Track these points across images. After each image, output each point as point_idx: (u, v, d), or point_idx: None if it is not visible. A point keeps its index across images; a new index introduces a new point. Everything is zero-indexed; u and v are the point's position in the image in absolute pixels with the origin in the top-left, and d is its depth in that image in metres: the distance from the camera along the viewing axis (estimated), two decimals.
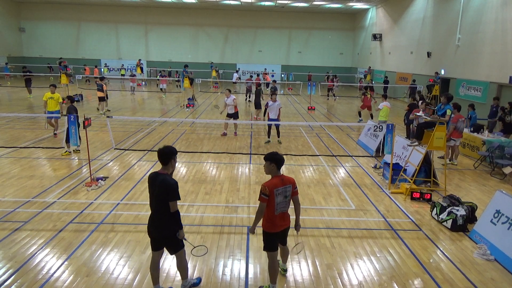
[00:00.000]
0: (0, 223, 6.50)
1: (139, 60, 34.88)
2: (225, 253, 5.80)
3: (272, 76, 35.42)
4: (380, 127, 10.98)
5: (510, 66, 14.92)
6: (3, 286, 4.82)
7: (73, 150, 10.94)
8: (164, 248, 4.64)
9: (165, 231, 4.42)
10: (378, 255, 5.86)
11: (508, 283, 5.27)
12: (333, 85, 27.49)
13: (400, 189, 8.66)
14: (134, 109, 19.66)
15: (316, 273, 5.35)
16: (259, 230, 4.87)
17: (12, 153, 10.74)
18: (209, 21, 38.25)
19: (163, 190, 4.29)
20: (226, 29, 38.79)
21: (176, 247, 4.56)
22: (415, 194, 8.13)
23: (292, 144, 12.94)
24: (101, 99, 17.59)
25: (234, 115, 13.47)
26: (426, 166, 8.79)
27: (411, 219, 7.22)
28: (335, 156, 11.58)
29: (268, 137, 13.04)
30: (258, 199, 4.52)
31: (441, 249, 6.13)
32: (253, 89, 22.08)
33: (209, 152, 11.44)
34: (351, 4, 32.06)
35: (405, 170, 8.91)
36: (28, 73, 23.85)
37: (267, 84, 26.78)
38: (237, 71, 34.16)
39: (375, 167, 10.43)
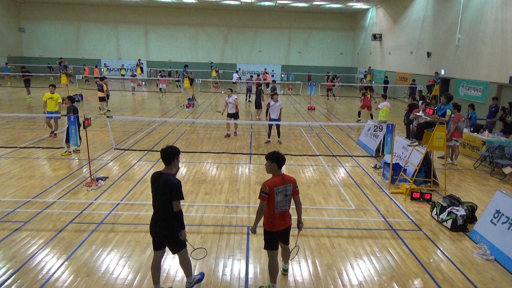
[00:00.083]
0: (0, 223, 6.50)
1: (139, 60, 34.87)
2: (225, 253, 5.80)
3: (272, 76, 35.43)
4: (380, 127, 10.98)
5: (510, 66, 14.92)
6: (3, 286, 4.82)
7: (73, 150, 10.94)
8: (166, 248, 4.65)
9: (168, 230, 4.44)
10: (378, 255, 5.86)
11: (508, 283, 5.27)
12: (333, 85, 27.50)
13: (400, 189, 8.66)
14: (134, 109, 19.66)
15: (316, 273, 5.35)
16: (259, 230, 4.87)
17: (12, 153, 10.74)
18: (209, 21, 38.25)
19: (166, 189, 4.30)
20: (226, 29, 38.79)
21: (179, 246, 4.58)
22: (415, 194, 8.13)
23: (292, 144, 12.94)
24: (101, 99, 17.61)
25: (235, 115, 13.47)
26: (426, 166, 8.79)
27: (411, 219, 7.22)
28: (335, 156, 11.58)
29: (269, 137, 13.04)
30: (258, 198, 4.56)
31: (441, 249, 6.13)
32: (253, 89, 22.09)
33: (209, 152, 11.44)
34: (351, 4, 32.06)
35: (405, 170, 8.91)
36: (27, 73, 23.83)
37: (267, 84, 26.78)
38: (237, 71, 34.16)
39: (375, 167, 10.43)
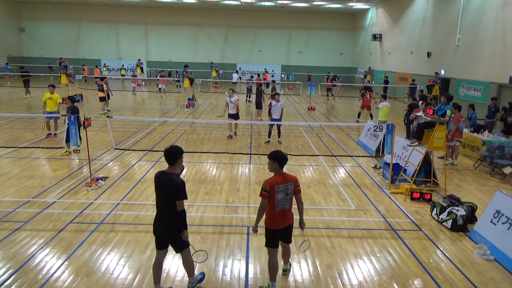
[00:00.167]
0: (0, 223, 6.50)
1: (139, 60, 34.88)
2: (225, 253, 5.80)
3: (272, 76, 35.43)
4: (380, 127, 10.99)
5: (510, 66, 14.92)
6: (3, 286, 4.82)
7: (73, 150, 10.94)
8: (168, 248, 4.66)
9: (171, 229, 4.46)
10: (378, 255, 5.86)
11: (508, 283, 5.27)
12: (333, 85, 27.50)
13: (400, 189, 8.66)
14: (134, 109, 19.66)
15: (316, 273, 5.35)
16: (261, 230, 4.87)
17: (12, 153, 10.74)
18: (209, 21, 38.26)
19: (170, 189, 4.32)
20: (226, 29, 38.80)
21: (182, 246, 4.60)
22: (415, 194, 8.13)
23: (292, 144, 12.94)
24: (102, 99, 17.61)
25: (235, 116, 13.47)
26: (426, 166, 8.79)
27: (411, 219, 7.22)
28: (335, 156, 11.58)
29: (269, 137, 13.05)
30: (260, 195, 4.61)
31: (441, 249, 6.13)
32: (254, 89, 22.09)
33: (209, 152, 11.44)
34: (351, 4, 32.07)
35: (405, 170, 8.91)
36: (26, 74, 23.82)
37: (267, 84, 26.78)
38: (237, 72, 34.13)
39: (375, 167, 10.43)
